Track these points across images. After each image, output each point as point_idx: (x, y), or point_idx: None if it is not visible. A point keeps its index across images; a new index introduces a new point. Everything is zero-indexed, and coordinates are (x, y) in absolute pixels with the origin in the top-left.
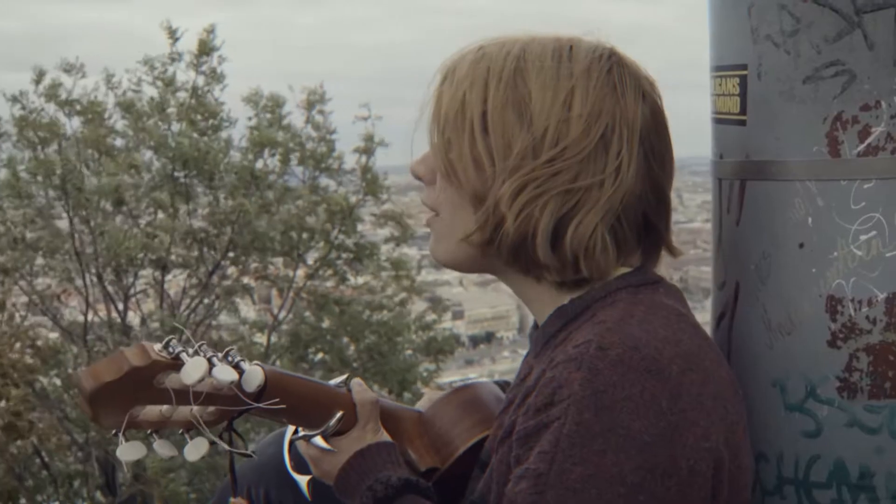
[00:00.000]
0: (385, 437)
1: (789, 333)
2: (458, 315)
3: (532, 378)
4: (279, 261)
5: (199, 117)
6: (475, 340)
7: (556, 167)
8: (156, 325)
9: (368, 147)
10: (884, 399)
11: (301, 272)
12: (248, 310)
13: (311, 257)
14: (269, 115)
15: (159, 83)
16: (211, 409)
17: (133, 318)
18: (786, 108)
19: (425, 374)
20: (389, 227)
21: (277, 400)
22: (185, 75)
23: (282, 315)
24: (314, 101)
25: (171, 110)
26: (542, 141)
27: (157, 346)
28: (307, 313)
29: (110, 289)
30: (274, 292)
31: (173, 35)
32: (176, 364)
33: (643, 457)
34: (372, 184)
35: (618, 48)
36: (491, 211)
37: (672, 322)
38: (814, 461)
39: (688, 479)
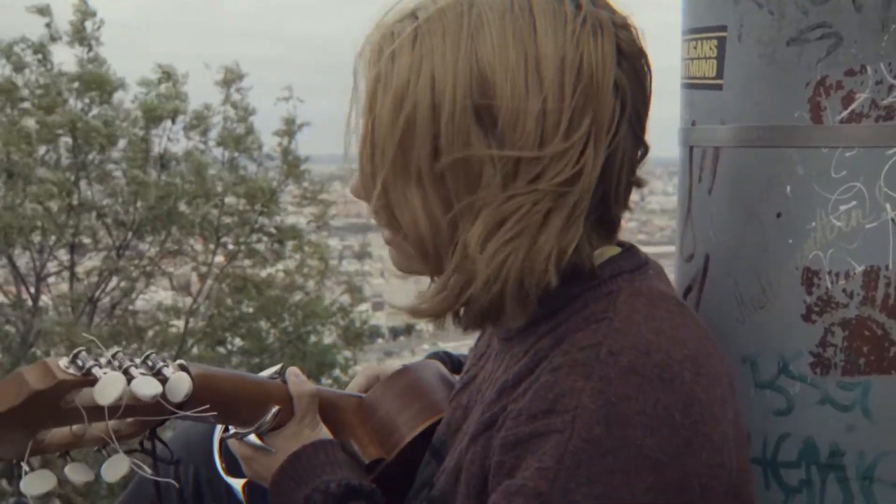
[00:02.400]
0: (324, 432)
1: (762, 307)
2: (378, 306)
3: (512, 370)
4: (198, 246)
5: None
6: (395, 332)
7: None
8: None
9: (290, 129)
10: (857, 375)
11: (220, 257)
12: (165, 294)
13: (230, 242)
14: (162, 87)
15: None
16: (129, 420)
17: (45, 301)
18: (767, 72)
19: (343, 361)
20: (310, 208)
21: (207, 406)
22: (66, 53)
23: (200, 299)
24: (231, 80)
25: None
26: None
27: (64, 362)
28: (228, 299)
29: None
30: (194, 277)
31: (44, 13)
32: (87, 380)
33: (655, 477)
34: (293, 167)
35: None
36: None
37: (675, 316)
38: (783, 440)
39: (701, 496)
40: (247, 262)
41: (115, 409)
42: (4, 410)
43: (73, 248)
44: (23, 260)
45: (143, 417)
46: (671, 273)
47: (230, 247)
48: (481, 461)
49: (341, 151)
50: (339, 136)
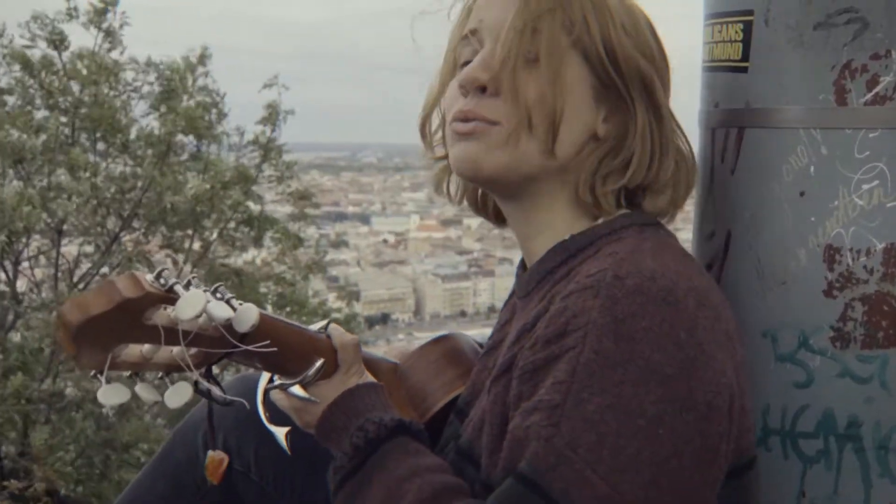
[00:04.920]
0: (370, 378)
1: (784, 283)
2: (353, 295)
3: (530, 315)
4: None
5: (100, 78)
6: (371, 321)
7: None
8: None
9: (273, 117)
10: (876, 349)
11: (197, 244)
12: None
13: (209, 228)
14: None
15: (52, 40)
16: (193, 350)
17: (23, 286)
18: (793, 55)
19: None
20: (296, 206)
21: (269, 342)
22: (82, 34)
23: None
24: (199, 62)
25: (69, 66)
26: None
27: (150, 277)
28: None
29: None
30: (170, 263)
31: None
32: (169, 297)
33: (663, 389)
34: (276, 157)
35: None
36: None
37: (679, 259)
38: (802, 411)
39: (706, 414)
40: (221, 251)
41: (186, 334)
42: (96, 314)
43: (60, 234)
44: None
45: (206, 349)
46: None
47: (206, 233)
48: (502, 400)
49: (318, 140)
50: (316, 124)
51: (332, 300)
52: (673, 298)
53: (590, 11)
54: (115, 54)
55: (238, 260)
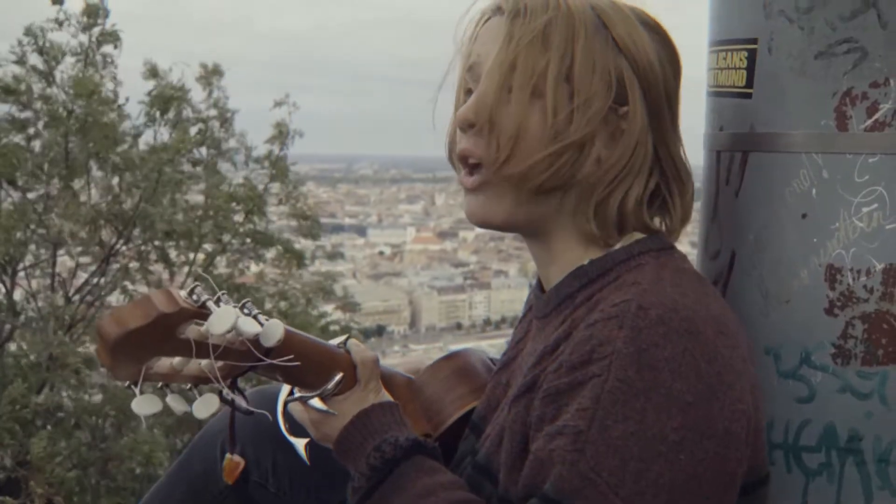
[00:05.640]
0: (387, 396)
1: (787, 301)
2: (353, 306)
3: (551, 338)
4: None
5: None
6: (367, 333)
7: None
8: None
9: (282, 135)
10: (876, 366)
11: (200, 256)
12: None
13: (209, 243)
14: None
15: (45, 53)
16: (220, 363)
17: (18, 296)
18: (796, 83)
19: None
20: (298, 222)
21: (292, 356)
22: (72, 41)
23: None
24: (211, 77)
25: (62, 74)
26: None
27: (183, 293)
28: None
29: None
30: (166, 276)
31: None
32: (202, 313)
33: (684, 417)
34: (282, 175)
35: None
36: (572, 150)
37: (697, 286)
38: (804, 426)
39: (725, 441)
40: (223, 266)
41: (216, 347)
42: (133, 328)
43: (56, 245)
44: None
45: (233, 362)
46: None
47: (209, 248)
48: (523, 420)
49: (314, 151)
50: (312, 134)
51: (331, 311)
52: (694, 328)
53: (577, 39)
54: (111, 68)
55: (240, 275)
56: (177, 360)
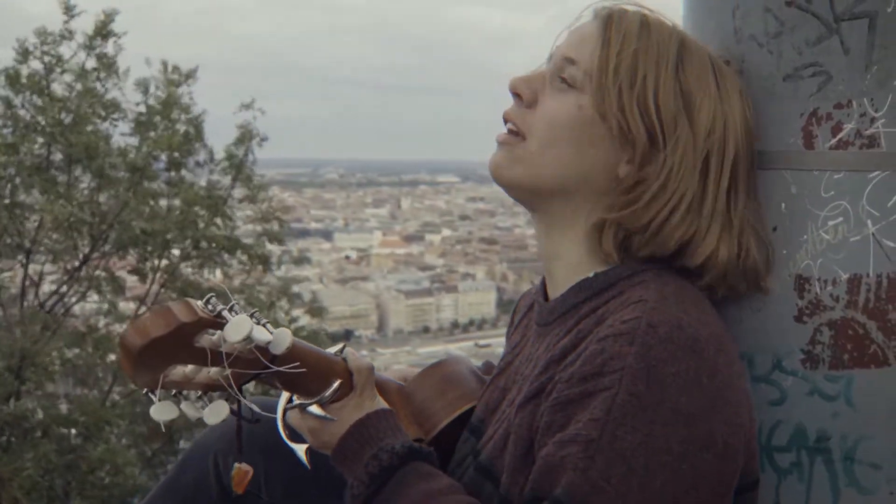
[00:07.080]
0: (382, 403)
1: (759, 310)
2: (320, 311)
3: (556, 347)
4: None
5: (88, 107)
6: (334, 338)
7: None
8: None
9: (246, 140)
10: (842, 369)
11: (165, 261)
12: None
13: (176, 248)
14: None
15: (47, 58)
16: (228, 371)
17: None
18: (766, 103)
19: None
20: (264, 225)
21: (298, 364)
22: (77, 56)
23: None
24: (181, 81)
25: (58, 87)
26: (697, 139)
27: (200, 304)
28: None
29: None
30: (130, 282)
31: (69, 12)
32: (217, 322)
33: (688, 430)
34: (246, 181)
35: None
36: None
37: (698, 304)
38: (776, 427)
39: (723, 453)
40: (189, 270)
41: (228, 356)
42: (156, 337)
43: (29, 253)
44: None
45: (241, 370)
46: None
47: (175, 252)
48: (529, 425)
49: (280, 155)
50: (277, 139)
51: (298, 315)
52: (698, 346)
53: (648, 65)
54: (112, 80)
55: (204, 280)
56: (190, 367)
